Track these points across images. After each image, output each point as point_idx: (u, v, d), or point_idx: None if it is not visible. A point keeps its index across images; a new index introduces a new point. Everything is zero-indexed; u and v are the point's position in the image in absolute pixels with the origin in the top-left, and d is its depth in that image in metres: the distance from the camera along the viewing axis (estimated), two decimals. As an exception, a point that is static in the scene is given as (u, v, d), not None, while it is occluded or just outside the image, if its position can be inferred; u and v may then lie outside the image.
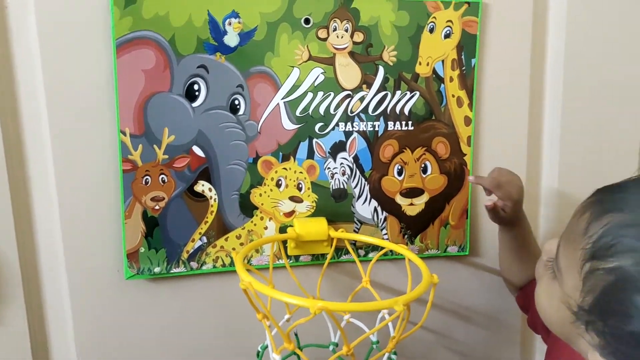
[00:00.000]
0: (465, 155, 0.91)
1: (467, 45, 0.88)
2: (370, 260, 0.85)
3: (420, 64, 0.86)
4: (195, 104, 0.80)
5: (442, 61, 0.87)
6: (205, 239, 0.83)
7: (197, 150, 0.81)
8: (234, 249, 0.85)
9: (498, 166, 0.84)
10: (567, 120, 0.94)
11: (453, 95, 0.88)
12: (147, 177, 0.80)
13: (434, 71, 0.87)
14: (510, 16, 0.89)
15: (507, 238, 0.87)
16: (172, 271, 0.83)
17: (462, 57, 0.88)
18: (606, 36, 0.93)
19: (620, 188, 0.53)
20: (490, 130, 0.92)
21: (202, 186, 0.82)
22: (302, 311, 0.63)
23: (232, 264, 0.85)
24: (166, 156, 0.80)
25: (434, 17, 0.86)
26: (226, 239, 0.84)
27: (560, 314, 0.55)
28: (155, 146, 0.79)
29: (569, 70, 0.93)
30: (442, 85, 0.88)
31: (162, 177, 0.80)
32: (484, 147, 0.92)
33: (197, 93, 0.80)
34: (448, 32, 0.87)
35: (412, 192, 0.90)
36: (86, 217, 0.79)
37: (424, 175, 0.90)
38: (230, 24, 0.80)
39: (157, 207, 0.81)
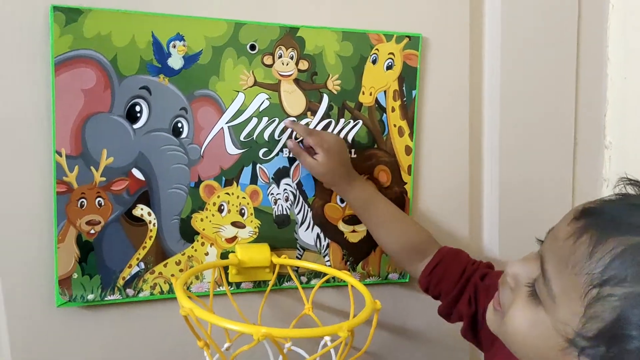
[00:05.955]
0: (405, 184, 0.93)
1: (408, 77, 0.90)
2: (313, 286, 0.85)
3: (363, 93, 0.88)
4: (136, 126, 0.78)
5: (385, 92, 0.89)
6: (142, 265, 0.81)
7: (136, 172, 0.79)
8: (173, 275, 0.82)
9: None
10: (504, 146, 0.97)
11: (395, 125, 0.90)
12: (83, 199, 0.77)
13: (377, 101, 0.89)
14: (449, 49, 0.93)
15: (352, 201, 0.85)
16: (106, 298, 0.79)
17: (404, 88, 0.90)
18: (539, 67, 0.98)
19: (606, 211, 0.52)
20: (430, 159, 0.94)
21: (141, 210, 0.80)
22: (243, 340, 0.62)
23: (170, 291, 0.82)
24: (104, 178, 0.77)
25: (377, 49, 0.88)
26: (165, 265, 0.82)
27: (548, 342, 0.52)
28: (92, 168, 0.77)
29: (505, 100, 0.96)
30: (385, 115, 0.90)
31: (99, 200, 0.78)
32: (423, 176, 0.94)
33: (138, 114, 0.78)
34: (390, 64, 0.89)
35: (355, 219, 0.90)
36: (16, 240, 0.75)
37: (366, 203, 0.91)
38: (174, 46, 0.79)
39: (92, 232, 0.78)
